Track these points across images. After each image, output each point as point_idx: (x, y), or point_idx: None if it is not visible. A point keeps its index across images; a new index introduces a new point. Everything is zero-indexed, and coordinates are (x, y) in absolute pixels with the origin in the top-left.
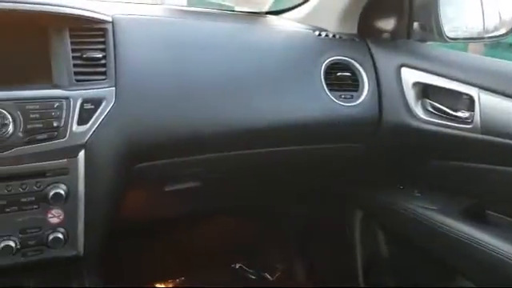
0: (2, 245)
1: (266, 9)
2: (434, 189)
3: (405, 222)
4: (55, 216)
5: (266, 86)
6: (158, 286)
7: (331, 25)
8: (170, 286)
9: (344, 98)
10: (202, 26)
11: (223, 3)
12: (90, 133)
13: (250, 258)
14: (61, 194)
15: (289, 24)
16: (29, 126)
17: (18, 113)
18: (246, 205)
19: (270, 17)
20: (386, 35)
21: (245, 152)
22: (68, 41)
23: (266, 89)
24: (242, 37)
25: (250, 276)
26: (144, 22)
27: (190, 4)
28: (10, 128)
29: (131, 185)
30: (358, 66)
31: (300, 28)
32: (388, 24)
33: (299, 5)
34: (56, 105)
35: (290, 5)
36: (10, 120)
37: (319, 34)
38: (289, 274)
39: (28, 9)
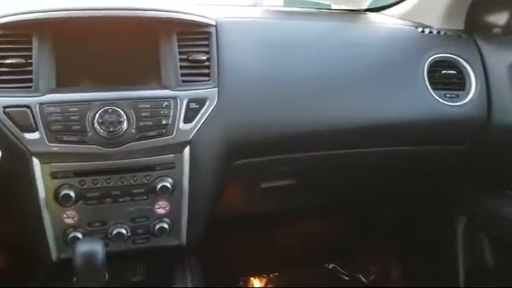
0: (115, 231)
1: (365, 6)
2: None
3: None
4: (162, 207)
5: (365, 86)
6: (252, 280)
7: (436, 21)
8: (264, 280)
9: (449, 97)
10: (299, 25)
11: (320, 2)
12: (195, 130)
13: (343, 258)
14: (167, 187)
15: (390, 21)
16: (141, 124)
17: (132, 111)
18: (342, 204)
19: (370, 14)
20: (496, 30)
21: (342, 152)
22: (175, 44)
23: (365, 88)
24: (341, 35)
25: (343, 277)
26: (244, 24)
27: (286, 4)
28: (124, 125)
29: (230, 180)
30: (464, 63)
31: (402, 25)
32: (499, 18)
33: (401, 1)
34: (165, 104)
35: (391, 1)
36: (125, 118)
37: (422, 31)
38: (384, 277)
39: (141, 15)
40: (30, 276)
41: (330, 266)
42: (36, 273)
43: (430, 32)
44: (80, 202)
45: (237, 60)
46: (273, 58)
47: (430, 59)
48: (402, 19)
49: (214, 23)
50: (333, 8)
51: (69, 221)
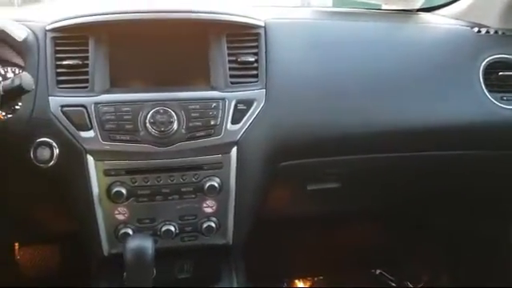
0: (164, 228)
1: (417, 6)
2: None
3: None
4: (209, 206)
5: (417, 88)
6: (296, 281)
7: (493, 20)
8: (308, 283)
9: (506, 99)
10: (349, 26)
11: (369, 2)
12: (242, 131)
13: (391, 264)
14: (215, 186)
15: (444, 21)
16: (190, 124)
17: (182, 112)
18: (390, 209)
19: (423, 14)
20: None
21: (391, 155)
22: (225, 46)
23: (416, 90)
24: (392, 35)
25: (391, 283)
26: (293, 26)
27: (335, 5)
28: (175, 125)
29: (276, 182)
30: None
31: (456, 25)
32: None
33: (455, 0)
34: (213, 105)
35: (445, 1)
36: (175, 118)
37: (479, 31)
38: (433, 285)
39: (192, 17)
40: (82, 270)
41: (377, 271)
42: (88, 267)
43: (487, 32)
44: (131, 199)
45: (285, 61)
46: (321, 59)
47: (486, 60)
48: (457, 19)
49: (262, 24)
50: (383, 8)
51: (120, 217)
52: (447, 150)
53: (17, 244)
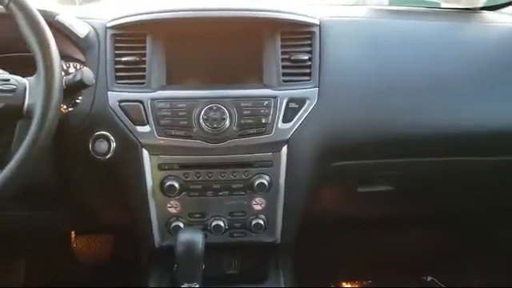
0: (214, 223)
1: (480, 4)
2: None
3: None
4: (258, 203)
5: (479, 89)
6: (343, 284)
7: None
8: (356, 286)
9: None
10: (405, 24)
11: (428, 0)
12: (293, 130)
13: (442, 271)
14: (264, 184)
15: (509, 20)
16: (242, 121)
17: (234, 109)
18: (443, 215)
19: (486, 13)
20: None
21: (448, 159)
22: (279, 44)
23: (478, 92)
24: (452, 35)
25: None
26: (348, 24)
27: (391, 3)
28: (227, 122)
29: (326, 182)
30: None
31: None
32: None
33: None
34: (265, 103)
35: None
36: (227, 115)
37: None
38: None
39: (247, 15)
40: (133, 261)
41: (429, 278)
42: (139, 258)
43: None
44: (183, 193)
45: (339, 60)
46: (377, 59)
47: None
48: None
49: (317, 23)
50: (443, 7)
51: (172, 210)
52: (510, 155)
53: (73, 232)
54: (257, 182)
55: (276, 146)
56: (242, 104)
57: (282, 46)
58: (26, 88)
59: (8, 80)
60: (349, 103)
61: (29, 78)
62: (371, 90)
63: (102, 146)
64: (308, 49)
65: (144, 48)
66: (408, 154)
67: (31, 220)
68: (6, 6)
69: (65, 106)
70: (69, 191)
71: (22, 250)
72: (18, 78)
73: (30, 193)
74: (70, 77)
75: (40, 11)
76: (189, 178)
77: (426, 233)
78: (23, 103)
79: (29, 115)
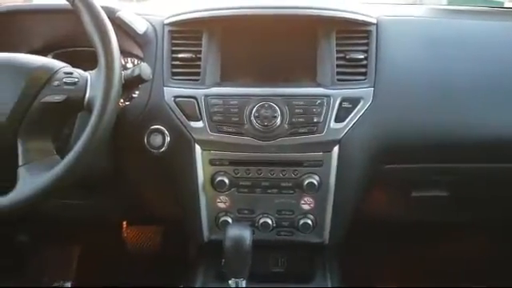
0: (262, 221)
1: None
2: None
3: None
4: (307, 203)
5: None
6: None
7: None
8: None
9: None
10: (466, 24)
11: None
12: (346, 130)
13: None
14: (314, 184)
15: None
16: (293, 120)
17: (286, 107)
18: (500, 223)
19: None
20: None
21: (506, 165)
22: (334, 42)
23: None
24: None
25: None
26: (406, 23)
27: (450, 2)
28: (278, 120)
29: (378, 184)
30: None
31: None
32: None
33: None
34: (318, 102)
35: None
36: (279, 113)
37: None
38: None
39: (303, 13)
40: (181, 253)
41: None
42: (186, 251)
43: None
44: (232, 189)
45: (396, 60)
46: (436, 60)
47: None
48: None
49: (374, 22)
50: (506, 6)
51: (221, 205)
52: None
53: (125, 222)
54: (306, 182)
55: (327, 146)
56: (294, 102)
57: (337, 45)
58: (87, 81)
59: (71, 73)
60: (405, 104)
61: (90, 71)
62: (429, 91)
63: (157, 139)
64: (364, 48)
65: (200, 45)
66: (466, 159)
67: (86, 209)
68: (72, 3)
69: (122, 100)
70: (123, 182)
71: (76, 237)
72: (81, 71)
73: (86, 183)
74: (129, 72)
75: (103, 8)
76: (239, 175)
77: (480, 240)
78: (84, 96)
79: (89, 108)
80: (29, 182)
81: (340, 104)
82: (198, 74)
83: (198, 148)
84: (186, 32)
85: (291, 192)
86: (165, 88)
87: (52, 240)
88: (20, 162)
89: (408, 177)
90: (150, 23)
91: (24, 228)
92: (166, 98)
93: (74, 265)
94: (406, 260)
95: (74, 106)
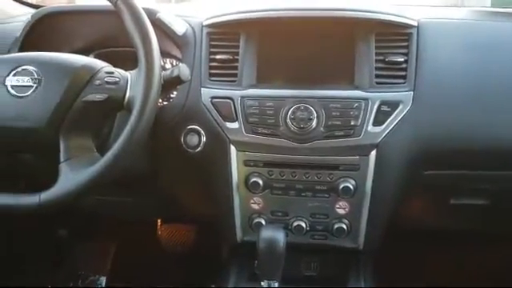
0: (296, 224)
1: None
2: None
3: None
4: (342, 207)
5: None
6: None
7: None
8: None
9: None
10: (508, 27)
11: None
12: (384, 134)
13: None
14: (350, 188)
15: None
16: (329, 123)
17: (322, 110)
18: None
19: None
20: None
21: None
22: (373, 45)
23: None
24: None
25: None
26: (447, 26)
27: (494, 5)
28: (314, 123)
29: (416, 190)
30: None
31: None
32: None
33: None
34: (355, 105)
35: None
36: (315, 116)
37: None
38: None
39: (342, 15)
40: (214, 253)
41: None
42: (219, 250)
43: None
44: (266, 191)
45: (437, 63)
46: (480, 64)
47: None
48: None
49: (415, 24)
50: None
51: (255, 206)
52: None
53: (159, 220)
54: (341, 186)
55: (364, 150)
56: (331, 105)
57: (376, 47)
58: (128, 81)
59: (112, 73)
60: (446, 109)
61: (131, 71)
62: (471, 96)
63: (193, 139)
64: (404, 51)
65: (237, 46)
66: (509, 167)
67: (122, 206)
68: (115, 4)
69: (160, 100)
70: (159, 181)
71: (112, 233)
72: (121, 71)
73: (123, 180)
74: (168, 72)
75: (143, 9)
76: (273, 176)
77: None
78: (124, 95)
79: (129, 107)
80: (70, 177)
81: (378, 107)
82: (234, 75)
83: (233, 149)
84: (224, 34)
85: (326, 196)
86: (202, 89)
87: (89, 236)
88: (61, 159)
89: (447, 184)
90: (189, 25)
91: (63, 223)
92: (203, 98)
93: (110, 260)
94: (441, 269)
95: (115, 105)
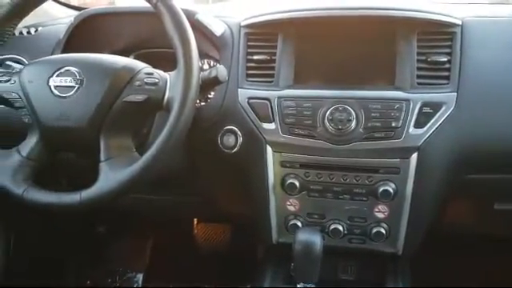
0: (333, 227)
1: None
2: None
3: None
4: (381, 211)
5: None
6: None
7: None
8: None
9: None
10: None
11: None
12: (426, 136)
13: None
14: (389, 192)
15: None
16: (369, 124)
17: (361, 111)
18: None
19: None
20: None
21: None
22: (415, 44)
23: None
24: None
25: None
26: (492, 24)
27: None
28: (353, 124)
29: (458, 194)
30: None
31: None
32: None
33: None
34: (396, 106)
35: None
36: (354, 117)
37: None
38: None
39: (383, 14)
40: (249, 254)
41: None
42: (255, 252)
43: None
44: (303, 193)
45: (483, 64)
46: None
47: None
48: None
49: (459, 23)
50: None
51: (291, 208)
52: None
53: (195, 220)
54: (381, 189)
55: (405, 153)
56: (371, 106)
57: (418, 47)
58: (167, 82)
59: (152, 74)
60: (491, 111)
61: (170, 72)
62: None
63: (230, 140)
64: (447, 50)
65: (275, 47)
66: None
67: (160, 204)
68: (155, 6)
69: (198, 101)
70: (196, 180)
71: (149, 231)
72: (161, 72)
73: (161, 179)
74: (206, 73)
75: (182, 10)
76: (309, 178)
77: None
78: (164, 96)
79: (167, 108)
80: (111, 176)
81: (420, 109)
82: (272, 75)
83: (269, 149)
84: (262, 34)
85: (364, 199)
86: (239, 89)
87: (127, 233)
88: (102, 158)
89: (491, 188)
90: (227, 25)
91: (102, 221)
92: (239, 99)
93: (147, 258)
94: (483, 276)
95: (154, 105)
